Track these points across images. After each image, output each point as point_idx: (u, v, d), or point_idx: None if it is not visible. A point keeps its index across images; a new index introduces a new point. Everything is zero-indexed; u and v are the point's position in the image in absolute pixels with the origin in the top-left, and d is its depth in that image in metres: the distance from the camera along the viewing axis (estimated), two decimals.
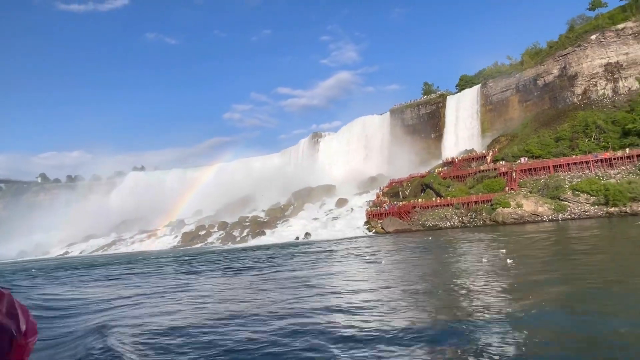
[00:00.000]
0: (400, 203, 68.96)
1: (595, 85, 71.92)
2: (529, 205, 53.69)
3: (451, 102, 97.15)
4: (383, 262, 21.38)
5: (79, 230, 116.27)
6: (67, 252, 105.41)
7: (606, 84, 71.05)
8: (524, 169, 62.98)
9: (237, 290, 15.88)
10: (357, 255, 26.33)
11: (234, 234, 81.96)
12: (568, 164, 59.75)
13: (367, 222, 68.08)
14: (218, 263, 30.87)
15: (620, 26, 69.93)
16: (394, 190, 79.18)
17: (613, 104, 68.36)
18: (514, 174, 62.52)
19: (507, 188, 59.65)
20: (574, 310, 9.89)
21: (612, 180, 52.66)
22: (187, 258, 41.81)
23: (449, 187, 68.46)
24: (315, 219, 78.17)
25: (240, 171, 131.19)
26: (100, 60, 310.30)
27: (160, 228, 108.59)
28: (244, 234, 79.78)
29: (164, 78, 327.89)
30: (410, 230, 60.23)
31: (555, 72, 77.91)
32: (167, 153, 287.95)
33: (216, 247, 68.74)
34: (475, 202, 60.14)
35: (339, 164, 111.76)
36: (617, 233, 31.43)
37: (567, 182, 56.54)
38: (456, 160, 79.86)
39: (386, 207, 68.18)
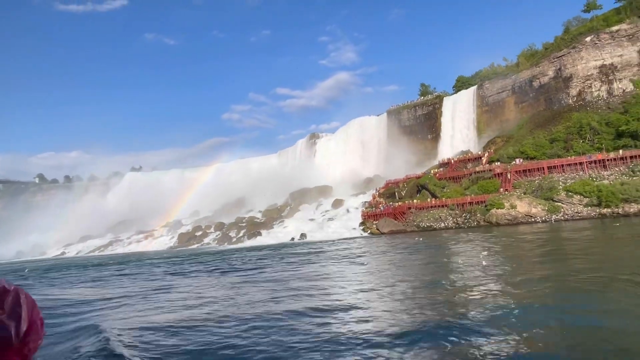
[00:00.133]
0: (396, 204, 69.15)
1: (590, 87, 72.22)
2: (523, 206, 53.93)
3: (447, 103, 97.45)
4: (367, 263, 21.58)
5: (76, 231, 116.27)
6: (63, 253, 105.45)
7: (601, 86, 71.34)
8: (519, 170, 63.28)
9: (217, 291, 16.07)
10: (343, 257, 26.50)
11: (230, 234, 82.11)
12: (562, 165, 60.07)
13: (362, 223, 68.28)
14: (208, 264, 31.04)
15: (614, 28, 70.24)
16: (390, 191, 79.37)
17: (607, 105, 68.67)
18: (508, 175, 62.81)
19: (501, 189, 59.93)
20: (524, 308, 10.12)
21: (605, 182, 52.95)
22: (179, 259, 41.97)
23: (444, 188, 68.73)
24: (312, 219, 78.36)
25: (237, 172, 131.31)
26: (99, 60, 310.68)
27: (158, 229, 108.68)
28: (240, 234, 79.93)
29: (163, 78, 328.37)
30: (405, 231, 60.44)
31: (551, 73, 78.20)
32: (166, 153, 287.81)
33: (212, 248, 68.88)
34: (470, 203, 60.39)
35: (336, 165, 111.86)
36: (602, 234, 31.67)
37: (561, 183, 56.84)
38: (452, 161, 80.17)
39: (381, 208, 68.36)
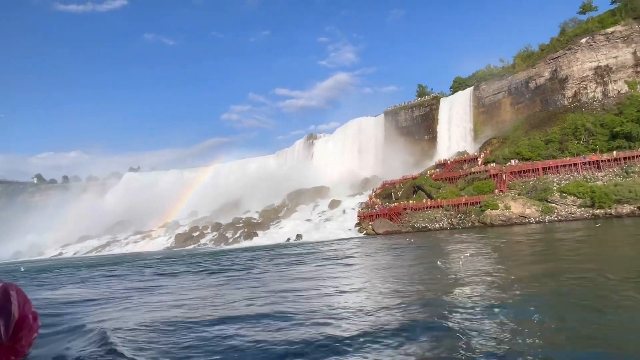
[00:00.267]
0: (392, 205, 69.36)
1: (586, 88, 72.53)
2: (517, 207, 54.15)
3: (444, 104, 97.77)
4: (352, 264, 21.84)
5: (74, 231, 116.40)
6: (61, 253, 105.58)
7: (596, 87, 71.66)
8: (514, 171, 63.53)
9: (198, 291, 16.28)
10: (331, 258, 26.71)
11: (227, 235, 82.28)
12: (557, 166, 60.33)
13: (358, 224, 68.48)
14: (199, 265, 31.26)
15: (609, 30, 70.56)
16: (386, 191, 79.58)
17: (602, 107, 68.97)
18: (503, 176, 63.07)
19: (496, 190, 60.16)
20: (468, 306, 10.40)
21: (599, 183, 53.21)
22: (172, 260, 42.17)
23: (439, 189, 68.97)
24: (308, 220, 78.54)
25: (235, 172, 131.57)
26: (98, 60, 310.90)
27: (155, 229, 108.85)
28: (237, 235, 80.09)
29: (163, 79, 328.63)
30: (400, 232, 60.64)
31: (547, 75, 78.52)
32: (166, 154, 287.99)
33: (208, 249, 69.06)
34: (465, 204, 60.63)
35: (333, 166, 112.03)
36: (588, 235, 31.88)
37: (555, 184, 57.10)
38: (448, 162, 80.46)
39: (377, 209, 68.58)
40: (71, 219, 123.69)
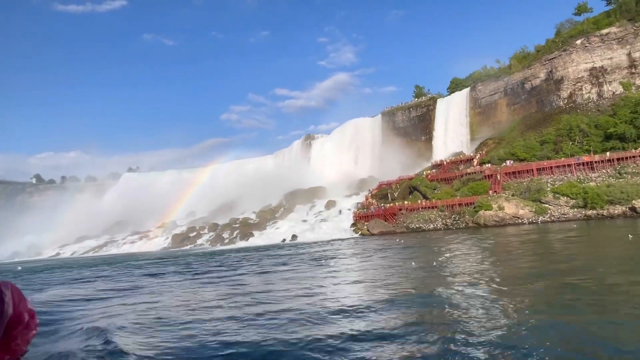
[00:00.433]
0: (387, 205, 69.54)
1: (581, 89, 72.71)
2: (510, 208, 54.34)
3: (441, 105, 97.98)
4: (333, 265, 22.06)
5: (73, 232, 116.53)
6: (58, 254, 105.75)
7: (591, 88, 71.84)
8: (508, 172, 63.70)
9: (176, 292, 16.52)
10: (318, 259, 26.91)
11: (223, 235, 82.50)
12: (551, 167, 60.54)
13: (354, 224, 68.65)
14: (188, 265, 31.52)
15: (604, 31, 70.74)
16: (382, 192, 79.78)
17: (597, 107, 69.16)
18: (498, 177, 63.24)
19: (490, 191, 60.33)
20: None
21: (592, 184, 53.42)
22: (165, 260, 42.42)
23: (435, 189, 69.17)
24: (304, 220, 78.70)
25: (234, 173, 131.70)
26: (98, 60, 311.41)
27: (153, 229, 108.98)
28: (234, 235, 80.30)
29: (162, 79, 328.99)
30: (394, 233, 60.84)
31: (542, 76, 78.70)
32: (165, 154, 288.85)
33: (204, 249, 69.28)
34: (459, 204, 60.81)
35: (330, 166, 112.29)
36: (576, 235, 32.08)
37: (549, 185, 57.33)
38: (444, 162, 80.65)
39: (372, 210, 68.78)
40: (69, 219, 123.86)
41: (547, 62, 78.09)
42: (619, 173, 53.96)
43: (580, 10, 78.39)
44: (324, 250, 34.91)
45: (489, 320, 9.25)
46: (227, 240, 77.77)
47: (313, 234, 68.43)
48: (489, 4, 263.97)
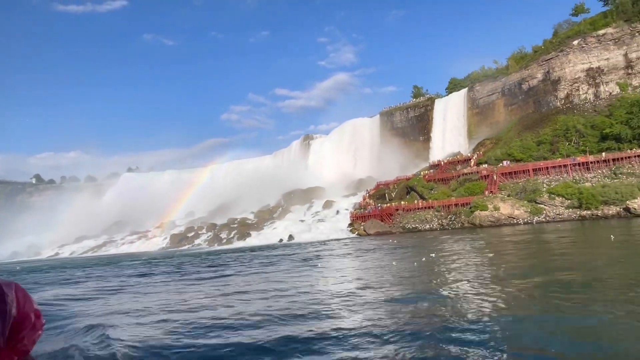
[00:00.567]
0: (384, 205, 69.72)
1: (578, 89, 72.87)
2: (506, 208, 54.49)
3: (439, 105, 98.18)
4: (319, 265, 22.26)
5: (72, 232, 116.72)
6: (57, 254, 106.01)
7: (588, 89, 71.99)
8: (505, 172, 63.86)
9: (160, 294, 16.74)
10: (307, 259, 27.10)
11: (221, 235, 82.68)
12: (547, 168, 60.72)
13: (350, 225, 68.82)
14: (180, 266, 31.77)
15: (601, 32, 70.89)
16: (380, 192, 79.94)
17: (594, 108, 69.32)
18: (494, 177, 63.40)
19: (486, 191, 60.47)
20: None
21: (588, 184, 53.57)
22: (159, 260, 42.66)
23: (432, 189, 69.31)
24: (302, 221, 78.85)
25: (232, 173, 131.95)
26: (98, 61, 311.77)
27: (152, 229, 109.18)
28: (231, 235, 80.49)
29: (162, 79, 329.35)
30: (390, 233, 61.00)
31: (539, 76, 78.87)
32: (165, 154, 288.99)
33: (201, 249, 69.50)
34: (455, 204, 60.95)
35: (329, 166, 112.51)
36: (564, 236, 32.22)
37: (545, 185, 57.50)
38: (442, 163, 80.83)
39: (369, 210, 68.95)
40: (69, 220, 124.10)
41: (544, 62, 78.27)
42: (614, 173, 54.12)
43: (578, 11, 78.61)
44: (316, 251, 35.11)
45: (443, 320, 9.43)
46: (224, 241, 77.99)
47: (310, 234, 68.55)
48: (488, 4, 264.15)
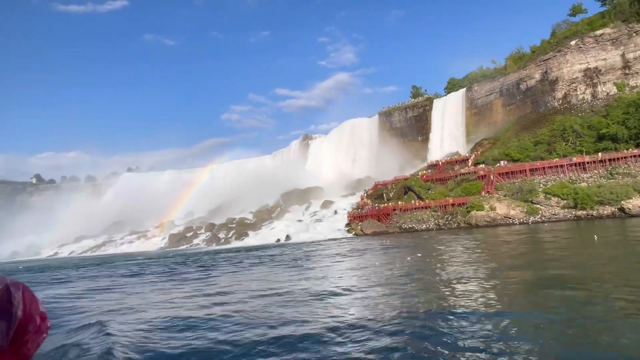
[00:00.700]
0: (382, 205, 69.84)
1: (575, 90, 72.94)
2: (502, 208, 54.58)
3: (437, 105, 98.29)
4: (304, 266, 22.44)
5: (72, 231, 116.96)
6: (57, 253, 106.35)
7: (585, 89, 72.06)
8: (502, 172, 63.97)
9: (143, 294, 16.94)
10: (296, 259, 27.31)
11: (219, 235, 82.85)
12: (544, 168, 60.78)
13: (348, 224, 68.95)
14: (172, 266, 31.97)
15: (598, 32, 70.94)
16: (378, 192, 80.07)
17: (591, 108, 69.38)
18: (491, 177, 63.49)
19: (483, 191, 60.58)
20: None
21: (584, 184, 53.64)
22: (154, 260, 42.87)
23: (429, 190, 69.42)
24: (299, 220, 78.99)
25: (232, 173, 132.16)
26: (99, 60, 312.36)
27: (151, 229, 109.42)
28: (229, 235, 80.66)
29: (163, 79, 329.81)
30: (387, 233, 61.14)
31: (537, 76, 78.93)
32: (166, 154, 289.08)
33: (199, 249, 69.69)
34: (452, 204, 61.07)
35: (328, 166, 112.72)
36: (553, 236, 32.32)
37: (541, 185, 57.58)
38: (440, 163, 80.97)
39: (367, 210, 69.09)
40: (68, 219, 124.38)
41: (542, 62, 78.33)
42: (611, 174, 54.18)
43: (575, 11, 78.70)
44: (309, 251, 35.28)
45: (401, 319, 9.58)
46: (222, 240, 78.17)
47: (307, 234, 68.68)
48: (488, 4, 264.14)
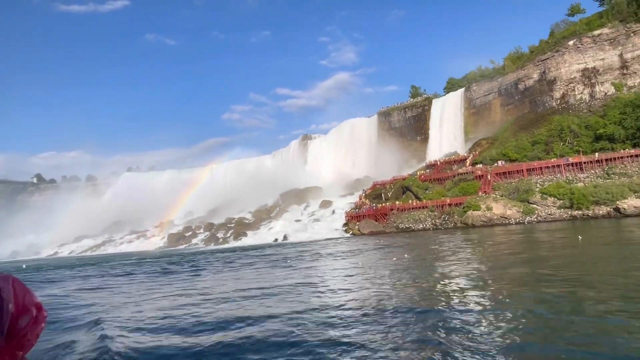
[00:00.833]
0: (379, 205, 69.95)
1: (573, 90, 72.90)
2: (498, 208, 54.65)
3: (436, 105, 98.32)
4: (292, 266, 22.61)
5: (72, 231, 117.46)
6: (56, 253, 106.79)
7: (583, 89, 72.02)
8: (499, 172, 63.98)
9: (126, 295, 17.17)
10: (286, 259, 27.49)
11: (217, 235, 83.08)
12: (541, 168, 60.78)
13: (345, 224, 69.07)
14: (165, 265, 32.18)
15: (596, 32, 70.89)
16: (376, 192, 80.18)
17: (589, 108, 69.34)
18: (489, 177, 63.55)
19: (480, 191, 60.62)
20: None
21: (580, 184, 53.68)
22: (149, 260, 43.09)
23: (427, 189, 69.50)
24: (298, 220, 79.20)
25: (232, 173, 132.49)
26: (100, 60, 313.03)
27: (150, 229, 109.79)
28: (228, 235, 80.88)
29: (164, 79, 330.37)
30: (384, 232, 61.26)
31: (535, 76, 78.90)
32: (167, 154, 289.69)
33: (197, 249, 69.88)
34: (449, 204, 61.13)
35: (327, 166, 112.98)
36: (545, 237, 32.38)
37: (538, 185, 57.62)
38: (438, 163, 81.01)
39: (364, 210, 69.21)
40: (69, 219, 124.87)
41: (540, 62, 78.30)
42: (607, 174, 54.20)
43: (574, 11, 78.68)
44: (302, 251, 35.43)
45: (377, 317, 9.73)
46: (220, 240, 78.38)
47: (305, 233, 68.85)
48: (487, 3, 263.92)
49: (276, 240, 67.82)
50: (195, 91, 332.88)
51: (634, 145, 56.92)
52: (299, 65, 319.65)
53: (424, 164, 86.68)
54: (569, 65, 73.54)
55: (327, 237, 62.85)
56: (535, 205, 53.70)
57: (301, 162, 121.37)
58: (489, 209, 54.97)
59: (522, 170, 62.18)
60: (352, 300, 11.71)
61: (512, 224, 52.12)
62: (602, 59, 70.63)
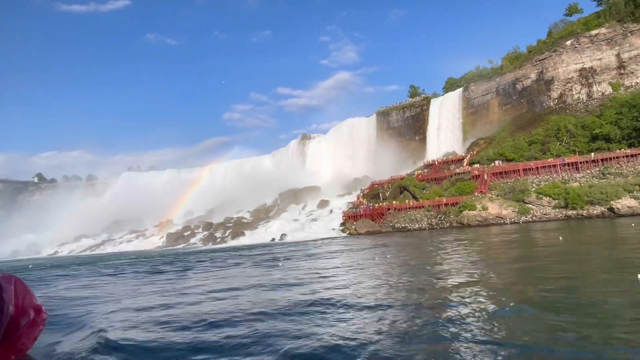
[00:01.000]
0: (377, 205, 70.13)
1: (571, 89, 72.93)
2: (494, 208, 54.79)
3: (434, 105, 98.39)
4: (281, 266, 22.83)
5: (72, 230, 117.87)
6: (56, 252, 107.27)
7: (581, 89, 72.05)
8: (496, 172, 64.12)
9: (118, 294, 17.43)
10: (275, 259, 27.73)
11: (216, 234, 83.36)
12: (537, 168, 60.93)
13: (343, 224, 69.28)
14: (158, 265, 32.45)
15: (593, 32, 70.91)
16: (374, 192, 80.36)
17: (586, 108, 69.36)
18: (485, 177, 63.68)
19: (476, 191, 60.77)
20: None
21: (576, 184, 53.76)
22: (144, 260, 43.37)
23: (424, 189, 69.64)
24: (296, 220, 79.39)
25: (231, 172, 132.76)
26: (101, 60, 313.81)
27: (150, 228, 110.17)
28: (226, 234, 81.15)
29: (165, 78, 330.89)
30: (380, 232, 61.45)
31: (533, 76, 78.97)
32: (167, 153, 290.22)
33: (195, 248, 70.14)
34: (445, 204, 61.28)
35: (326, 166, 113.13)
36: (539, 236, 32.48)
37: (534, 185, 57.76)
38: (436, 162, 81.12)
39: (361, 209, 69.39)
40: (69, 218, 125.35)
41: (537, 62, 78.35)
42: (603, 174, 54.32)
43: (571, 11, 78.72)
44: (295, 250, 35.69)
45: (349, 312, 9.91)
46: (218, 240, 78.65)
47: (303, 233, 69.00)
48: (487, 3, 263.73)
49: (273, 239, 68.03)
50: (195, 91, 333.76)
51: (630, 145, 57.02)
52: (300, 65, 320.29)
53: (422, 164, 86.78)
54: (567, 65, 73.58)
55: (324, 237, 63.04)
56: (530, 205, 53.82)
57: (300, 161, 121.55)
58: (484, 208, 55.11)
59: (519, 170, 62.35)
60: (320, 299, 11.89)
61: (507, 223, 52.24)
62: (600, 59, 70.66)
